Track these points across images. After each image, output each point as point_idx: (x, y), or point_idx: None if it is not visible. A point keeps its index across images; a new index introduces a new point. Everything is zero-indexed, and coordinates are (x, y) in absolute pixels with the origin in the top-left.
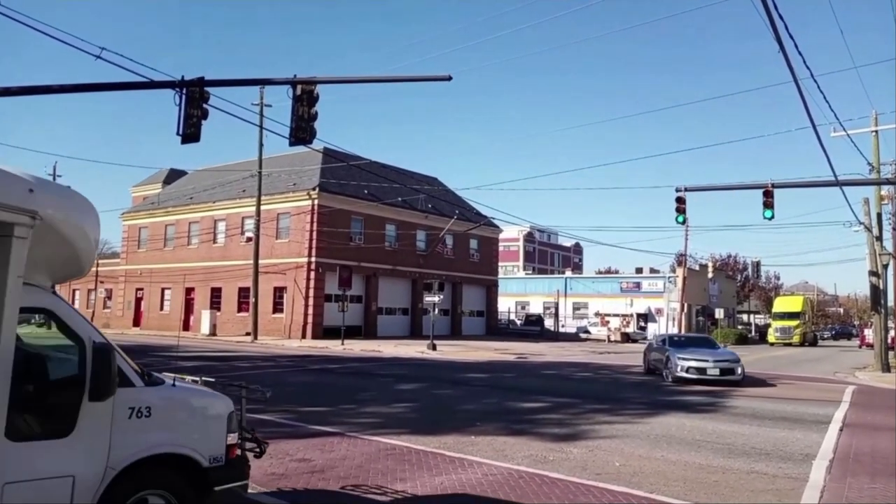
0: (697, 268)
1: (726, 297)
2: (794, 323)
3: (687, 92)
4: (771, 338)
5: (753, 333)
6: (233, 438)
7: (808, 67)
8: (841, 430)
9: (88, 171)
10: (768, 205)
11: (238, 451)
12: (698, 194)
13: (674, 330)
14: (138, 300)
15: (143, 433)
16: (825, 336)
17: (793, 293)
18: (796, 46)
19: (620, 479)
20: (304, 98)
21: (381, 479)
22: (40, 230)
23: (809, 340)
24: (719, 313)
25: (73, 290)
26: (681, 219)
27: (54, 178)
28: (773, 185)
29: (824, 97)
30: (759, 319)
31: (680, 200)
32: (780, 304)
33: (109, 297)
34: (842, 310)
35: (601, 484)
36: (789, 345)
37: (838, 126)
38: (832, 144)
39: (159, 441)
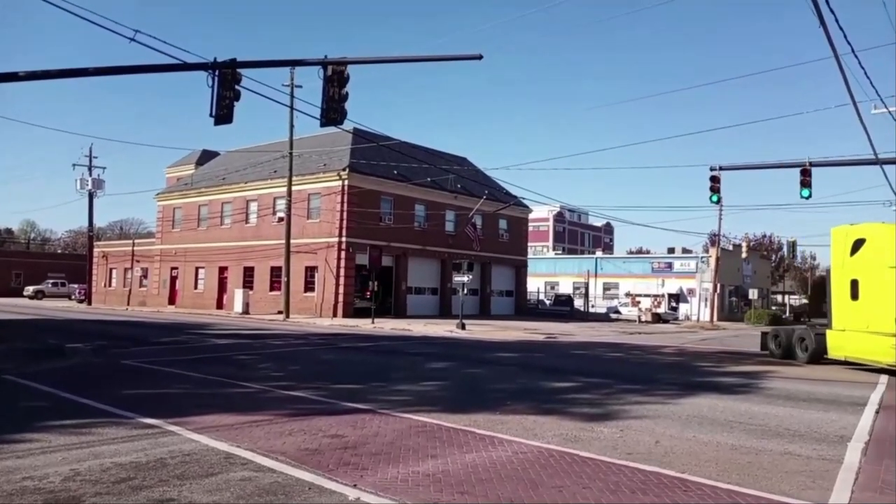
0: (731, 248)
1: (760, 278)
2: None
3: (721, 69)
4: None
5: (788, 314)
6: None
7: (849, 43)
8: (877, 412)
9: (125, 153)
10: (805, 183)
11: None
12: (733, 173)
13: (706, 311)
14: (173, 279)
15: None
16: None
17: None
18: (837, 21)
19: (651, 459)
20: (335, 79)
21: (413, 455)
22: None
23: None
24: (753, 294)
25: (111, 269)
26: (715, 198)
27: (90, 160)
28: (811, 164)
29: (865, 73)
30: (794, 300)
31: (714, 179)
32: None
33: (145, 276)
34: None
35: (632, 463)
36: None
37: (879, 103)
38: (873, 122)
39: None
